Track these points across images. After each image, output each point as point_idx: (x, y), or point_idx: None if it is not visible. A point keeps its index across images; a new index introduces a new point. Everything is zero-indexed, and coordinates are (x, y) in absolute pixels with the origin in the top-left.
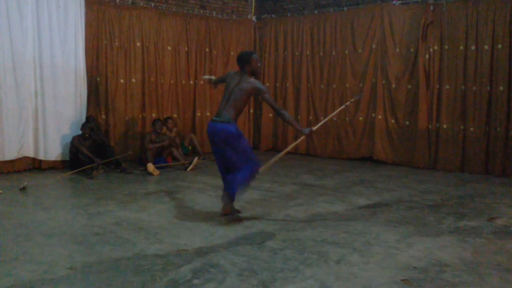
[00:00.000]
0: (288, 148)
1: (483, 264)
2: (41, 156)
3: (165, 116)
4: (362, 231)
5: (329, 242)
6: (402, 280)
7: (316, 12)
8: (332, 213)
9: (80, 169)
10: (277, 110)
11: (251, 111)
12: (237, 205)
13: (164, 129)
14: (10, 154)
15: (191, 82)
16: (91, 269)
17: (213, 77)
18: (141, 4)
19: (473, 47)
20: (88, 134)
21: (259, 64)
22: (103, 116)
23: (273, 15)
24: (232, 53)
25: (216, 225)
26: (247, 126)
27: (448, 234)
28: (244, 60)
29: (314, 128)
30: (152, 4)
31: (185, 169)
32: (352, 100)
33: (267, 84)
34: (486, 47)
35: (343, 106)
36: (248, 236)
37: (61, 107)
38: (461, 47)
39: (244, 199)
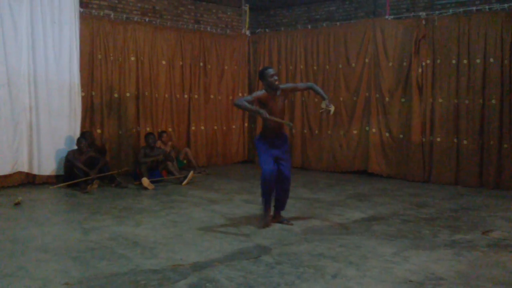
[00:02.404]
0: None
1: (478, 277)
2: (35, 171)
3: (159, 130)
4: (358, 245)
5: (325, 256)
6: None
7: (309, 26)
8: (327, 226)
9: (72, 181)
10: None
11: (246, 124)
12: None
13: (159, 143)
14: (4, 169)
15: (186, 96)
16: (86, 284)
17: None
18: (135, 19)
19: (465, 61)
20: (85, 149)
21: (275, 77)
22: (98, 131)
23: (267, 30)
24: (226, 67)
25: (212, 240)
26: (241, 139)
27: (443, 248)
28: (260, 77)
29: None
30: (147, 19)
31: (180, 183)
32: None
33: None
34: (478, 61)
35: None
36: (244, 250)
37: (55, 121)
38: (453, 61)
39: (240, 214)
